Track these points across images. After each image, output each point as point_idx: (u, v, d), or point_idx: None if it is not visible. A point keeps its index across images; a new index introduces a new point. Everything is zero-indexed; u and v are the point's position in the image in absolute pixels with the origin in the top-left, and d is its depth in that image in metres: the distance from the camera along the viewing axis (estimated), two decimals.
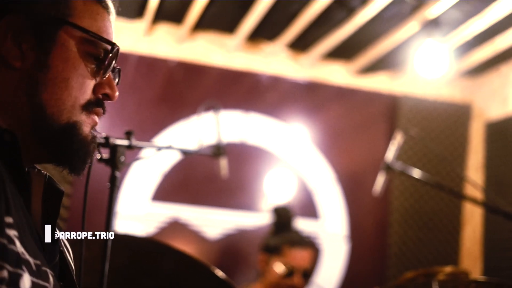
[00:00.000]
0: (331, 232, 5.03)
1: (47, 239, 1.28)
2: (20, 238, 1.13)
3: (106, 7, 1.32)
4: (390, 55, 4.85)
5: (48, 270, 1.21)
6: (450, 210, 5.19)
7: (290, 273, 3.70)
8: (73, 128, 1.25)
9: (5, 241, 1.08)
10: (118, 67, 1.37)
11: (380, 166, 3.36)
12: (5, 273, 1.07)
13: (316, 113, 5.14)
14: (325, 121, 5.15)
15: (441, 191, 4.75)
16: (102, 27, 1.30)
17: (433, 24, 4.19)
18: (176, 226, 4.70)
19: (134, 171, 4.63)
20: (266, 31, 4.79)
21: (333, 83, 5.18)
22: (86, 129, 1.27)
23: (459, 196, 4.80)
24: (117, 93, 1.32)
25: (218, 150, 2.97)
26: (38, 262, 1.18)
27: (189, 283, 2.67)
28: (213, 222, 4.77)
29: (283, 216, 3.99)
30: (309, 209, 4.99)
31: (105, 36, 1.29)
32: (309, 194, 5.03)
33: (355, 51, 4.96)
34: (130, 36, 4.71)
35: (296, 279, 3.71)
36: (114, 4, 1.36)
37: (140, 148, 2.33)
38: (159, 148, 2.52)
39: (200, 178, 4.77)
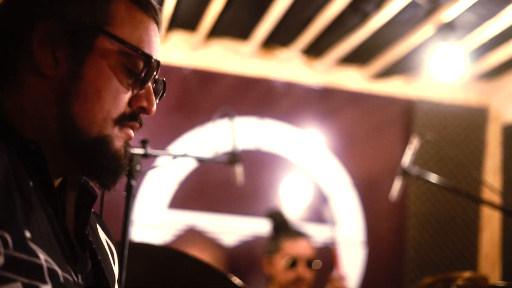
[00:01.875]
0: (348, 238, 5.00)
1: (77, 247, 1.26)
2: (44, 250, 1.12)
3: (151, 15, 1.25)
4: (405, 59, 4.83)
5: (79, 281, 1.20)
6: (467, 214, 5.15)
7: (292, 263, 3.76)
8: (103, 142, 1.19)
9: (22, 255, 1.07)
10: (162, 79, 1.29)
11: (396, 171, 3.34)
12: (19, 285, 1.06)
13: (331, 118, 5.13)
14: (340, 126, 5.13)
15: (458, 196, 4.72)
16: (144, 37, 1.23)
17: (448, 28, 4.16)
18: (192, 234, 4.70)
19: (150, 180, 4.64)
20: (280, 37, 4.78)
21: (347, 88, 5.16)
22: (118, 143, 1.21)
23: (477, 200, 4.77)
24: (154, 107, 1.25)
25: (234, 157, 2.97)
26: (66, 274, 1.16)
27: None
28: (229, 229, 4.77)
29: (278, 219, 4.04)
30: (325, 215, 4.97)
31: (146, 47, 1.22)
32: (325, 200, 5.01)
33: (370, 56, 4.94)
34: None
35: (301, 269, 3.75)
36: (159, 11, 1.28)
37: (155, 156, 2.33)
38: (175, 156, 2.52)
39: (216, 185, 4.77)
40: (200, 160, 2.72)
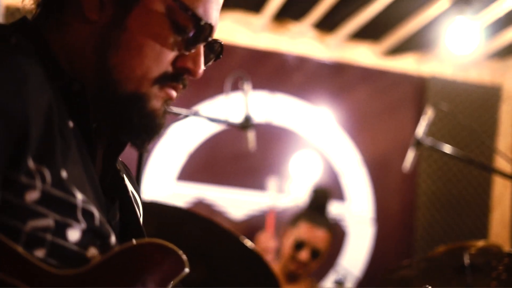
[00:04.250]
0: (357, 214, 4.97)
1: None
2: (81, 191, 1.08)
3: None
4: (418, 34, 4.76)
5: (110, 228, 1.16)
6: (478, 194, 5.11)
7: (298, 245, 3.74)
8: (139, 100, 1.15)
9: (59, 192, 1.04)
10: (219, 41, 1.24)
11: (408, 148, 3.30)
12: (50, 222, 1.03)
13: (342, 94, 5.08)
14: (351, 103, 5.08)
15: (471, 165, 4.65)
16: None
17: (464, 1, 4.10)
18: (201, 206, 4.67)
19: (159, 151, 4.61)
20: (292, 11, 4.73)
21: (360, 64, 5.11)
22: (156, 103, 1.17)
23: (489, 170, 4.70)
24: (200, 70, 1.20)
25: (246, 122, 2.92)
26: (103, 218, 1.13)
27: (216, 250, 2.65)
28: (238, 202, 4.74)
29: (318, 197, 4.01)
30: (335, 191, 4.93)
31: (200, 8, 1.16)
32: (335, 176, 4.98)
33: (383, 31, 4.88)
34: None
35: (304, 254, 3.72)
36: None
37: (168, 113, 2.30)
38: (186, 115, 2.48)
39: (226, 158, 4.74)
40: (212, 121, 2.68)
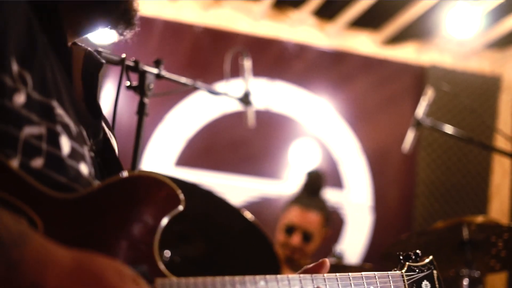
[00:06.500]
0: (356, 202, 4.96)
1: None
2: (62, 105, 1.09)
3: None
4: (418, 22, 4.75)
5: (86, 139, 1.18)
6: (477, 183, 5.10)
7: (289, 229, 3.70)
8: None
9: (36, 94, 1.05)
10: None
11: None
12: (42, 130, 1.03)
13: (342, 83, 5.08)
14: (351, 91, 5.08)
15: (470, 145, 4.62)
16: None
17: None
18: None
19: (158, 136, 4.60)
20: None
21: (359, 52, 5.10)
22: None
23: (489, 149, 4.67)
24: None
25: (246, 98, 2.90)
26: (78, 129, 1.15)
27: (217, 224, 2.63)
28: (236, 189, 4.73)
29: (312, 181, 3.96)
30: (334, 179, 4.92)
31: None
32: (334, 164, 4.97)
33: (382, 19, 4.88)
34: (156, 1, 4.68)
35: (295, 238, 3.67)
36: None
37: (168, 78, 2.29)
38: (186, 85, 2.47)
39: (224, 145, 4.73)
40: (212, 93, 2.67)
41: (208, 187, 2.48)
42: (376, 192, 5.01)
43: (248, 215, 2.55)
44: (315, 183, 3.94)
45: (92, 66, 1.28)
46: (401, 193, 5.08)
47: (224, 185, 4.69)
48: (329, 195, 4.78)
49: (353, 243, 4.89)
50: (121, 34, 1.26)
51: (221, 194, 2.53)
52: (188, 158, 4.68)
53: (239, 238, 2.65)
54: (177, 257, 2.62)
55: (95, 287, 0.89)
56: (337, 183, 4.94)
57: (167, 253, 2.58)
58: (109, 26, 1.24)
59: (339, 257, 3.44)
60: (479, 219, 2.73)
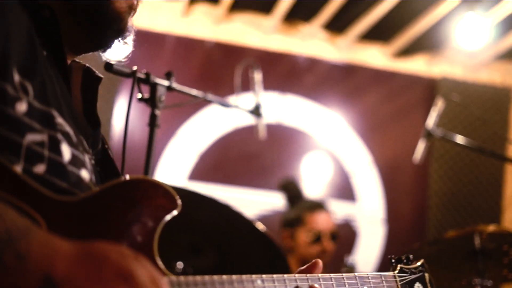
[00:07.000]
0: (368, 215, 4.96)
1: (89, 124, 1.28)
2: (61, 115, 1.13)
3: None
4: (428, 34, 4.77)
5: (87, 147, 1.21)
6: (489, 195, 5.09)
7: (317, 238, 3.69)
8: (104, 3, 1.24)
9: (37, 103, 1.08)
10: None
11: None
12: (45, 137, 1.06)
13: (353, 96, 5.09)
14: (362, 104, 5.10)
15: (482, 155, 4.61)
16: None
17: None
18: None
19: (170, 150, 4.64)
20: (302, 12, 4.76)
21: (370, 65, 5.13)
22: (119, 4, 1.25)
23: (501, 158, 4.66)
24: None
25: (257, 110, 2.93)
26: (78, 138, 1.18)
27: (229, 236, 2.64)
28: (248, 202, 4.74)
29: (292, 189, 3.97)
30: (346, 192, 4.94)
31: None
32: (346, 177, 4.98)
33: (392, 32, 4.91)
34: (167, 16, 4.72)
35: (325, 243, 3.68)
36: None
37: (179, 91, 2.32)
38: (197, 97, 2.50)
39: (236, 158, 4.75)
40: (223, 105, 2.70)
41: (223, 200, 2.49)
42: (388, 205, 5.01)
43: (260, 226, 2.56)
44: (296, 189, 3.96)
45: (91, 81, 1.33)
46: (414, 205, 5.08)
47: (236, 198, 4.71)
48: (342, 207, 4.80)
49: (366, 255, 4.88)
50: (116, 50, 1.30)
51: (235, 207, 2.53)
52: (201, 172, 4.71)
53: (252, 249, 2.66)
54: (190, 268, 2.64)
55: (101, 269, 0.91)
56: (350, 196, 4.95)
57: (180, 264, 2.59)
58: (106, 45, 1.28)
59: (351, 268, 3.44)
60: (491, 228, 2.73)
